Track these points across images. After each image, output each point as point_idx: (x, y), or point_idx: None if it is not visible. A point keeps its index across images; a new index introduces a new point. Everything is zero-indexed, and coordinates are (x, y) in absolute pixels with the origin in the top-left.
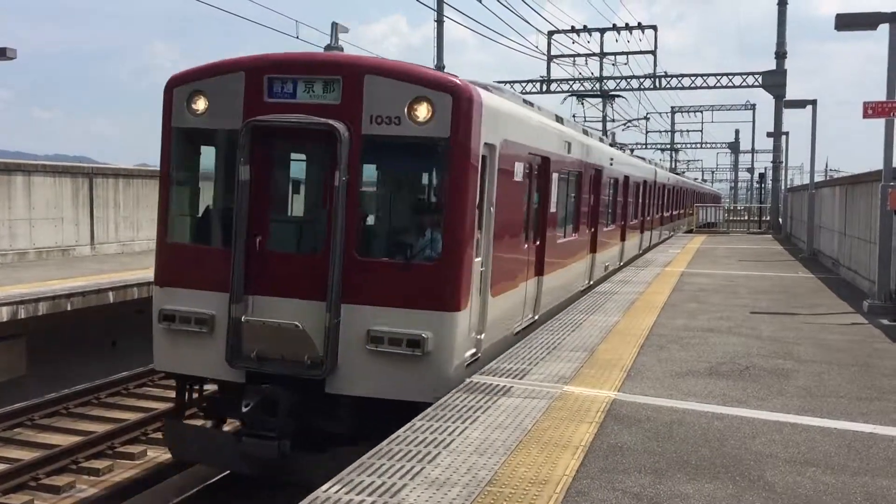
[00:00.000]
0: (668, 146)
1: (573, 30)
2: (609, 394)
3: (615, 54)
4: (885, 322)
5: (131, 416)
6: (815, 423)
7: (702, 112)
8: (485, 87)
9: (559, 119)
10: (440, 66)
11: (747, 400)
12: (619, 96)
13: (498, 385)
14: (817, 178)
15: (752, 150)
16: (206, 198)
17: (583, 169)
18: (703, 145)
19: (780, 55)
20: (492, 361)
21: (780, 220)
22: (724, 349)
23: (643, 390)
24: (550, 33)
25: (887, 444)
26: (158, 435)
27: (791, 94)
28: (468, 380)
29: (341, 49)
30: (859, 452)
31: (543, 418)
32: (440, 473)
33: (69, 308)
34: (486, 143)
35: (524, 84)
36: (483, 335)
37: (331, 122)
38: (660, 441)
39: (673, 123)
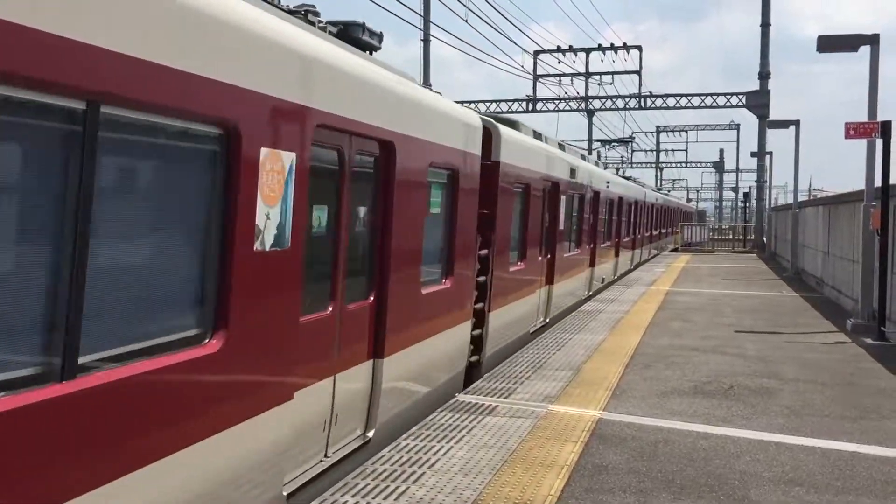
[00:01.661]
0: (654, 165)
1: (559, 49)
2: (594, 413)
3: (601, 74)
4: (869, 341)
5: None
6: (799, 442)
7: (687, 132)
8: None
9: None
10: (427, 85)
11: (732, 419)
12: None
13: (483, 404)
14: (801, 198)
15: (737, 170)
16: None
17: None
18: (689, 164)
19: (764, 76)
20: (478, 380)
21: (765, 239)
22: (708, 368)
23: (628, 409)
24: (536, 53)
25: (871, 463)
26: None
27: (775, 114)
28: (453, 399)
29: None
30: (843, 471)
31: (529, 438)
32: (425, 494)
33: None
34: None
35: (510, 103)
36: None
37: None
38: (645, 461)
39: (658, 143)
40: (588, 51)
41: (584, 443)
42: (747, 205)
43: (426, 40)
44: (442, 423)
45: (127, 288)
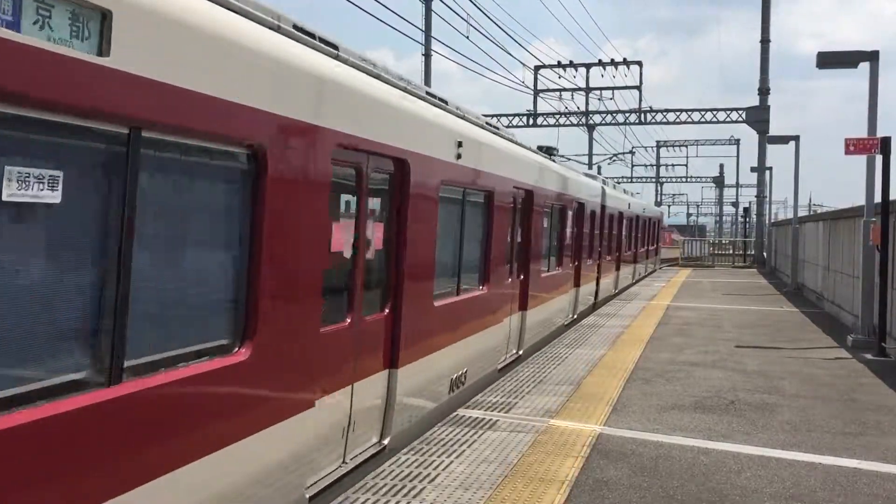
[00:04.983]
0: (654, 179)
1: (559, 65)
2: (595, 428)
3: (601, 89)
4: (869, 357)
5: None
6: (800, 457)
7: (686, 147)
8: None
9: None
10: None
11: (733, 434)
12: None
13: (483, 418)
14: (801, 213)
15: (737, 185)
16: None
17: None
18: (689, 179)
19: (764, 91)
20: (478, 395)
21: (765, 254)
22: (709, 383)
23: (629, 424)
24: (537, 68)
25: (872, 479)
26: None
27: (774, 129)
28: (454, 413)
29: None
30: (844, 488)
31: (529, 452)
32: None
33: None
34: None
35: (511, 117)
36: None
37: None
38: (645, 476)
39: (658, 157)
40: (588, 66)
41: (585, 458)
42: (747, 220)
43: (427, 55)
44: (442, 437)
45: None
